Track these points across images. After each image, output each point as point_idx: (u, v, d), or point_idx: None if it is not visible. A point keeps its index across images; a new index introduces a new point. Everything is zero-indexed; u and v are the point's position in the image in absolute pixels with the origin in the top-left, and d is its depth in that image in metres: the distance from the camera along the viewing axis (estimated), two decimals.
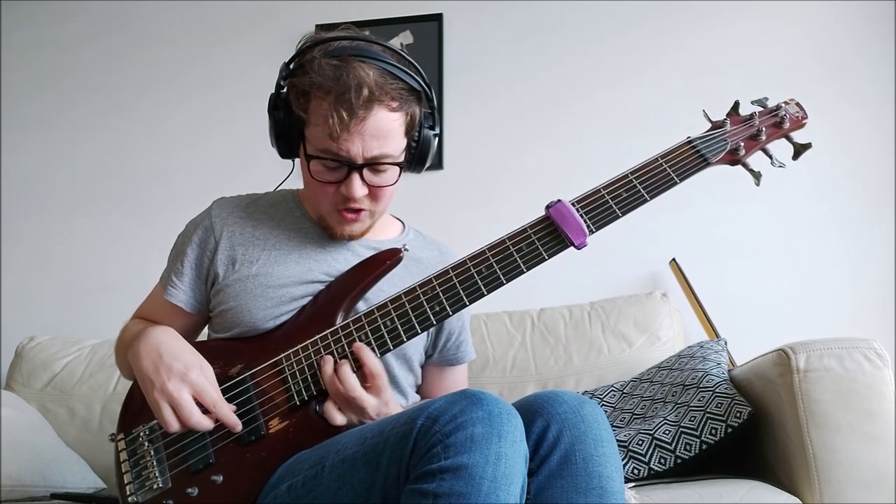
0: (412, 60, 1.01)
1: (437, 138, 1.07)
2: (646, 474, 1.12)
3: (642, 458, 1.13)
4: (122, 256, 2.16)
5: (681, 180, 0.98)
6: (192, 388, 0.92)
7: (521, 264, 0.95)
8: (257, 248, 1.08)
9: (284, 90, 1.01)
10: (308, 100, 0.97)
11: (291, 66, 1.00)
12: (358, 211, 1.03)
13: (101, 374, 1.80)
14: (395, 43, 1.05)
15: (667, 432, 1.15)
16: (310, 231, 1.11)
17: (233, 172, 2.13)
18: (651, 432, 1.16)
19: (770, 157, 1.04)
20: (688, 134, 1.05)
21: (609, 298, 1.78)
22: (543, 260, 0.95)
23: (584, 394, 1.48)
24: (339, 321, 0.99)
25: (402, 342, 0.95)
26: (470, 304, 0.95)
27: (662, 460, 1.12)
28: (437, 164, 2.02)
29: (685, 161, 0.99)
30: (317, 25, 2.17)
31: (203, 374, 0.94)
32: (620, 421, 1.31)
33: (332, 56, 0.95)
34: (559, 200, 0.96)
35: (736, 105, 1.07)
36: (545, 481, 0.80)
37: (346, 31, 1.00)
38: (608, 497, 0.79)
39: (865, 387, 1.03)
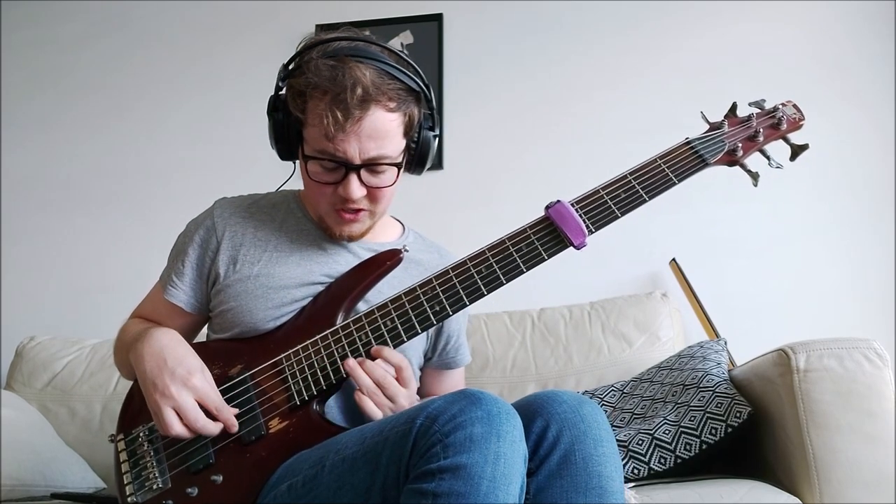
0: (411, 61, 1.00)
1: (436, 139, 1.06)
2: (646, 474, 1.12)
3: (642, 458, 1.13)
4: (122, 256, 2.16)
5: (679, 181, 0.99)
6: (195, 392, 0.92)
7: (521, 264, 0.95)
8: (259, 249, 1.08)
9: (283, 91, 1.01)
10: (305, 100, 0.96)
11: (290, 67, 1.00)
12: (357, 211, 1.03)
13: (101, 373, 1.80)
14: (395, 43, 1.05)
15: (667, 432, 1.15)
16: (311, 232, 1.11)
17: (233, 172, 2.13)
18: (651, 432, 1.16)
19: (768, 158, 1.05)
20: (688, 134, 1.05)
21: (609, 298, 1.78)
22: (543, 260, 0.95)
23: (584, 394, 1.48)
24: (339, 321, 0.99)
25: (403, 342, 0.96)
26: (470, 303, 0.95)
27: (662, 460, 1.12)
28: (437, 164, 2.02)
29: (683, 162, 1.00)
30: (317, 26, 2.17)
31: (205, 379, 0.94)
32: (620, 421, 1.31)
33: (329, 56, 0.95)
34: (558, 201, 0.96)
35: (734, 107, 1.08)
36: (545, 481, 0.80)
37: (345, 32, 1.00)
38: (608, 497, 0.79)
39: (865, 387, 1.03)
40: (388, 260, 1.03)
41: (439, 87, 2.08)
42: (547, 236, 0.95)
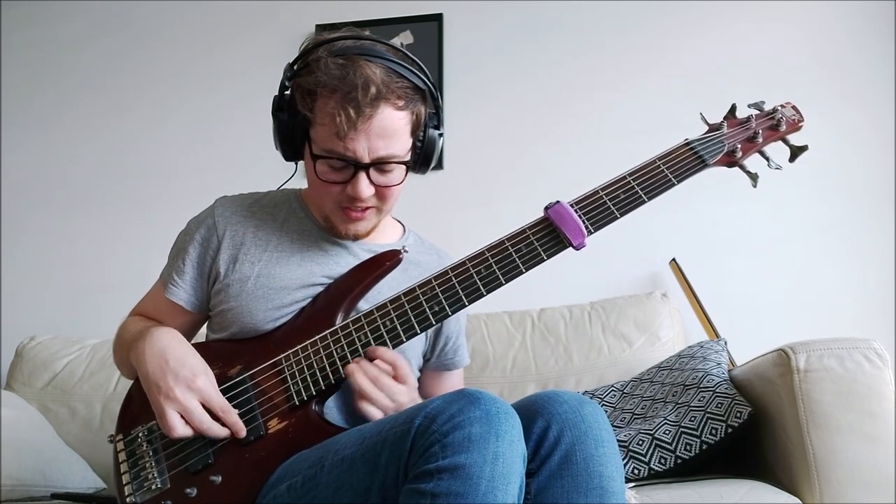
0: (416, 59, 1.01)
1: (441, 138, 1.06)
2: (646, 474, 1.12)
3: (642, 458, 1.13)
4: (123, 256, 2.16)
5: (678, 182, 0.99)
6: (199, 394, 0.92)
7: (521, 265, 0.95)
8: (259, 249, 1.08)
9: (288, 91, 1.00)
10: (314, 99, 0.96)
11: (296, 67, 1.00)
12: (364, 209, 1.03)
13: (101, 373, 1.80)
14: (395, 43, 1.06)
15: (667, 432, 1.15)
16: (312, 233, 1.11)
17: (233, 172, 2.13)
18: (651, 432, 1.16)
19: (767, 159, 1.05)
20: (688, 134, 1.05)
21: (609, 298, 1.78)
22: (542, 261, 0.95)
23: (584, 394, 1.48)
24: (338, 322, 0.99)
25: (402, 342, 0.95)
26: (469, 304, 0.95)
27: (663, 460, 1.12)
28: (438, 164, 2.01)
29: (683, 163, 1.00)
30: (317, 26, 2.17)
31: (209, 381, 0.94)
32: (621, 421, 1.31)
33: (337, 55, 0.95)
34: (558, 202, 0.96)
35: (733, 108, 1.08)
36: (546, 481, 0.80)
37: (348, 32, 0.99)
38: (609, 497, 0.79)
39: (865, 387, 1.03)
40: (387, 261, 1.03)
41: (439, 87, 2.08)
42: (546, 237, 0.95)
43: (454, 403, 0.76)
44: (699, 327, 1.80)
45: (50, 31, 2.38)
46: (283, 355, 0.98)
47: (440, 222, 1.75)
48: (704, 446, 1.11)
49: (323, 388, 0.94)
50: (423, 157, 1.04)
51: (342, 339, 0.96)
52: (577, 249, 0.95)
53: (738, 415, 1.11)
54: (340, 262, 1.08)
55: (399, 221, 1.23)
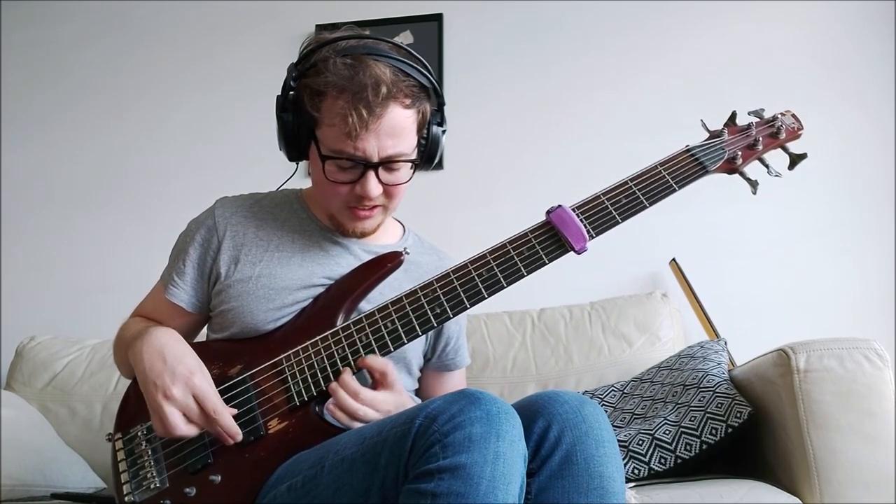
0: (420, 57, 1.01)
1: (445, 134, 1.07)
2: (646, 474, 1.12)
3: (642, 458, 1.13)
4: (123, 256, 2.16)
5: (679, 188, 1.00)
6: (193, 391, 0.91)
7: (522, 268, 0.95)
8: (260, 249, 1.08)
9: (292, 92, 1.00)
10: (322, 99, 0.96)
11: (301, 67, 0.99)
12: (372, 208, 1.03)
13: (101, 373, 1.80)
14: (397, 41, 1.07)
15: (667, 432, 1.15)
16: (314, 233, 1.11)
17: (233, 172, 2.13)
18: (651, 432, 1.16)
19: (767, 166, 1.06)
20: (688, 134, 1.05)
21: (609, 298, 1.78)
22: (544, 264, 0.95)
23: (584, 394, 1.48)
24: (339, 322, 0.99)
25: (403, 343, 0.95)
26: (470, 306, 0.95)
27: (663, 460, 1.12)
28: (438, 164, 2.02)
29: (684, 169, 1.01)
30: (317, 26, 2.17)
31: (206, 380, 0.94)
32: (621, 421, 1.31)
33: (345, 55, 0.95)
34: (560, 206, 0.97)
35: (733, 115, 1.09)
36: (546, 481, 0.80)
37: (351, 31, 1.00)
38: (609, 497, 0.79)
39: (866, 387, 1.03)
40: (389, 262, 1.03)
41: (439, 87, 2.08)
42: (548, 240, 0.96)
43: (455, 403, 0.76)
44: (699, 327, 1.80)
45: (50, 31, 2.38)
46: (283, 356, 0.98)
47: (440, 222, 1.75)
48: (704, 446, 1.11)
49: (323, 388, 0.94)
50: (428, 154, 1.05)
51: (343, 339, 0.96)
52: (579, 253, 0.95)
53: (738, 415, 1.11)
54: (342, 262, 1.08)
55: (399, 222, 1.23)
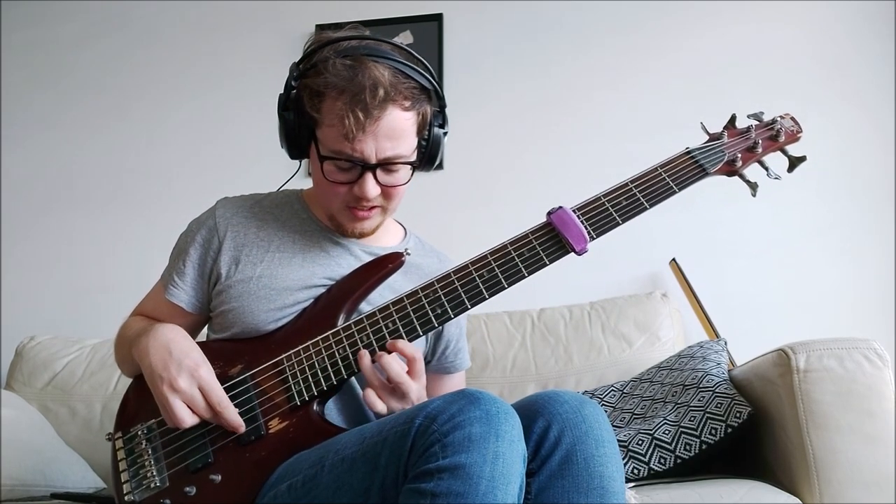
0: (422, 59, 1.01)
1: (446, 136, 1.07)
2: (646, 474, 1.12)
3: (642, 458, 1.13)
4: (123, 256, 2.16)
5: (679, 189, 1.00)
6: (200, 384, 0.92)
7: (523, 269, 0.95)
8: (261, 250, 1.08)
9: (294, 91, 1.00)
10: (322, 100, 0.96)
11: (302, 67, 0.99)
12: (371, 208, 1.03)
13: (101, 373, 1.80)
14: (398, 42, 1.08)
15: (667, 432, 1.15)
16: (315, 234, 1.11)
17: (233, 172, 2.13)
18: (651, 432, 1.16)
19: (766, 168, 1.07)
20: (688, 134, 1.06)
21: (609, 298, 1.78)
22: (545, 265, 0.96)
23: (584, 394, 1.48)
24: (340, 322, 0.99)
25: None
26: (471, 306, 0.95)
27: (662, 460, 1.12)
28: (438, 165, 2.02)
29: (683, 171, 1.01)
30: (317, 26, 2.17)
31: (210, 373, 0.94)
32: (620, 421, 1.31)
33: (345, 55, 0.95)
34: (560, 207, 0.97)
35: (733, 118, 1.09)
36: (546, 481, 0.80)
37: (353, 31, 1.00)
38: (609, 497, 0.79)
39: (865, 387, 1.03)
40: (390, 263, 1.03)
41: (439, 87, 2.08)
42: (548, 241, 0.96)
43: (454, 403, 0.76)
44: (699, 327, 1.80)
45: (50, 31, 2.38)
46: (284, 355, 0.98)
47: (440, 223, 1.75)
48: (704, 446, 1.11)
49: (324, 388, 0.94)
50: (429, 155, 1.05)
51: (344, 339, 0.96)
52: (580, 255, 0.95)
53: (738, 415, 1.11)
54: (342, 263, 1.08)
55: (400, 224, 1.23)
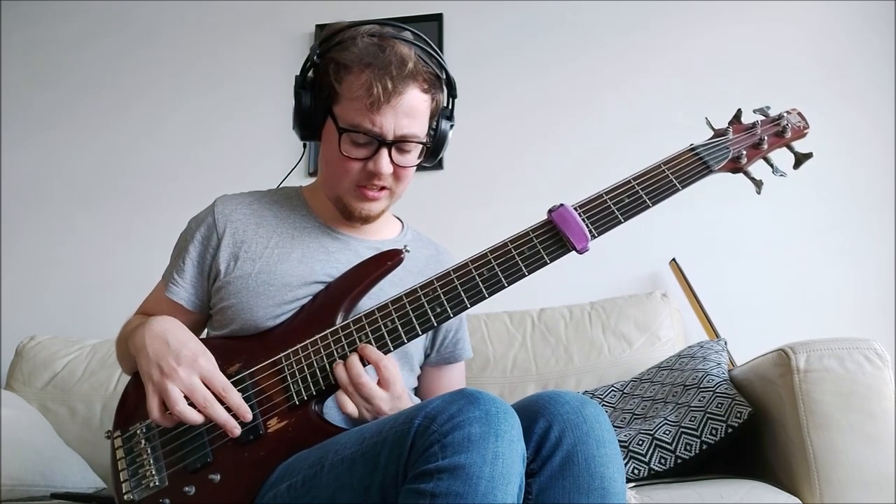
0: (438, 51, 1.05)
1: (452, 130, 1.09)
2: (646, 474, 1.12)
3: (642, 458, 1.13)
4: (123, 255, 2.16)
5: (683, 187, 0.99)
6: (200, 373, 0.92)
7: (523, 267, 0.95)
8: (260, 246, 1.08)
9: (311, 73, 1.04)
10: (348, 72, 0.99)
11: (326, 44, 1.03)
12: (380, 189, 1.05)
13: (101, 373, 1.80)
14: None
15: (667, 432, 1.15)
16: (314, 230, 1.11)
17: (233, 172, 2.13)
18: (651, 432, 1.16)
19: (772, 165, 1.05)
20: (687, 133, 1.05)
21: (609, 298, 1.78)
22: (545, 263, 0.95)
23: (584, 394, 1.48)
24: (338, 321, 0.99)
25: (403, 343, 0.95)
26: (471, 306, 0.95)
27: (663, 460, 1.12)
28: (437, 164, 2.02)
29: (688, 168, 1.00)
30: (317, 26, 2.17)
31: (210, 361, 0.94)
32: (621, 421, 1.31)
33: (370, 35, 1.01)
34: (562, 205, 0.96)
35: (738, 113, 1.07)
36: (547, 482, 0.80)
37: (371, 21, 1.06)
38: (610, 497, 0.79)
39: (866, 387, 1.03)
40: (388, 260, 1.03)
41: None
42: (549, 240, 0.96)
43: (454, 403, 0.76)
44: (699, 327, 1.80)
45: (50, 31, 2.38)
46: (282, 354, 0.97)
47: (440, 222, 1.75)
48: (704, 446, 1.11)
49: (323, 387, 0.94)
50: (434, 146, 1.08)
51: (343, 338, 0.96)
52: (581, 253, 0.95)
53: (738, 415, 1.11)
54: (341, 258, 1.08)
55: (398, 218, 1.23)
